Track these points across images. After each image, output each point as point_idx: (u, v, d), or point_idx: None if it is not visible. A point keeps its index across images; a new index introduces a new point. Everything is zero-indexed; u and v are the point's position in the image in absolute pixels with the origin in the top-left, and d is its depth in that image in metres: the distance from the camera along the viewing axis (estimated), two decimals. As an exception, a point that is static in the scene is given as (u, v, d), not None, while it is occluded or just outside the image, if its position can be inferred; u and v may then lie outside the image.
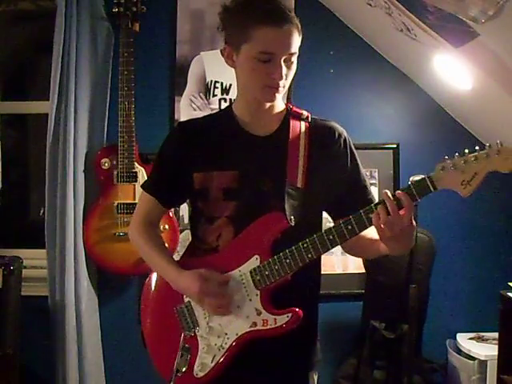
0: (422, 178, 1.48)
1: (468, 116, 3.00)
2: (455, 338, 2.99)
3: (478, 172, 1.42)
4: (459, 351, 2.94)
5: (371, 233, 1.58)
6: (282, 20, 1.54)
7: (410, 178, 1.86)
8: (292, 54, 1.57)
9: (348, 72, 3.09)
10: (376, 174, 3.07)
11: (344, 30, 3.04)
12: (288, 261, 1.56)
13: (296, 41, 1.57)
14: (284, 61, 1.56)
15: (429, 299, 2.91)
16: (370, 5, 2.50)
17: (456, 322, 3.07)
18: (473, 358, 2.81)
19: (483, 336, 2.94)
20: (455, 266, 3.10)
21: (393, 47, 2.96)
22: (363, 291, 3.01)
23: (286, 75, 1.58)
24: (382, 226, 1.48)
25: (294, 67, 1.60)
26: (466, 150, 1.44)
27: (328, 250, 1.56)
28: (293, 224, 1.59)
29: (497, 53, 2.13)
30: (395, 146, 3.11)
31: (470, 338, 2.95)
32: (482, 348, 2.84)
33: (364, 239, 1.63)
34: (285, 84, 1.60)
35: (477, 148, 1.43)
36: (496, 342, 2.69)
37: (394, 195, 1.48)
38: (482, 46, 2.10)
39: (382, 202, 1.49)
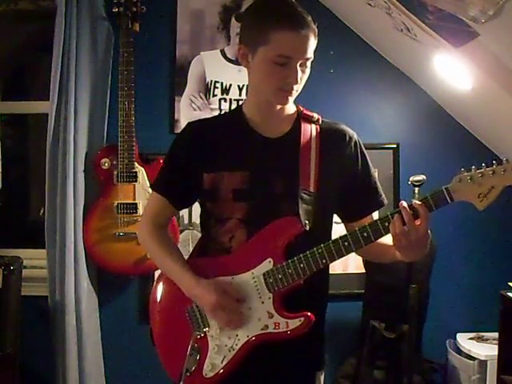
0: (440, 190, 1.48)
1: (468, 116, 3.00)
2: (455, 338, 2.99)
3: (495, 186, 1.44)
4: (459, 351, 2.94)
5: (386, 238, 1.58)
6: (301, 24, 1.55)
7: (410, 178, 1.87)
8: (308, 59, 1.59)
9: (348, 72, 3.09)
10: (376, 174, 3.05)
11: (344, 30, 3.04)
12: (302, 265, 1.57)
13: (312, 46, 1.59)
14: (299, 65, 1.57)
15: (429, 299, 2.90)
16: (370, 5, 2.50)
17: (456, 322, 3.07)
18: (473, 358, 2.81)
19: (483, 336, 2.94)
20: (455, 266, 3.10)
21: (393, 47, 2.96)
22: (363, 291, 3.01)
23: (301, 79, 1.59)
24: (398, 234, 1.49)
25: (307, 72, 1.62)
26: (483, 164, 1.45)
27: (342, 256, 1.57)
28: (307, 228, 1.59)
29: (497, 53, 2.13)
30: (395, 145, 3.11)
31: (470, 338, 2.95)
32: (482, 348, 2.84)
33: (379, 245, 1.62)
34: (298, 88, 1.61)
35: (494, 162, 1.44)
36: (496, 341, 2.69)
37: (410, 205, 1.49)
38: (481, 46, 2.10)
39: (398, 211, 1.50)
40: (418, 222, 1.49)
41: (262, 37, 1.56)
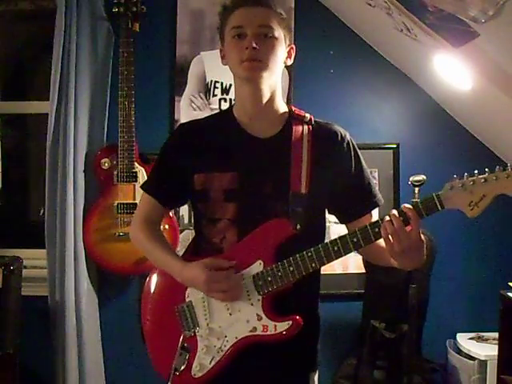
0: (431, 197, 1.47)
1: (468, 116, 3.00)
2: (455, 338, 2.99)
3: (487, 194, 1.42)
4: (459, 351, 2.94)
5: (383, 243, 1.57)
6: (250, 2, 1.63)
7: (410, 178, 1.87)
8: (264, 27, 1.60)
9: (348, 72, 3.09)
10: (376, 174, 3.07)
11: (344, 30, 3.04)
12: (291, 268, 1.57)
13: (268, 18, 1.62)
14: (259, 35, 1.59)
15: (429, 299, 2.90)
16: (370, 5, 2.50)
17: (456, 322, 3.07)
18: (473, 358, 2.81)
19: (483, 336, 2.94)
20: (455, 266, 3.10)
21: (393, 47, 2.96)
22: (363, 291, 3.01)
23: (266, 52, 1.60)
24: (390, 239, 1.48)
25: (275, 45, 1.62)
26: (476, 171, 1.44)
27: (332, 260, 1.56)
28: (299, 231, 1.59)
29: (497, 53, 2.13)
30: (395, 145, 3.11)
31: (470, 338, 2.95)
32: (482, 348, 2.84)
33: (377, 248, 1.61)
34: (263, 59, 1.60)
35: (486, 170, 1.43)
36: (496, 341, 2.69)
37: (400, 210, 1.48)
38: (481, 46, 2.10)
39: (388, 217, 1.49)
40: (409, 228, 1.48)
41: (223, 24, 1.66)
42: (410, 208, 1.47)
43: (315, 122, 1.72)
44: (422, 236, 1.50)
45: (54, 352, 2.91)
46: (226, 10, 1.67)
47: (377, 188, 1.76)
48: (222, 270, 1.60)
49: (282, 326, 1.59)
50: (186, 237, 3.02)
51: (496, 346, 2.67)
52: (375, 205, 1.74)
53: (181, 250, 2.91)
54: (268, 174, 1.65)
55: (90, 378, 2.93)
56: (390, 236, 1.48)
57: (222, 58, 1.71)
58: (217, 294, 1.62)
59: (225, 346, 1.63)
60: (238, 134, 1.69)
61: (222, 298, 1.63)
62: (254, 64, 1.59)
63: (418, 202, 1.48)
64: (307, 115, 1.72)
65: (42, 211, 3.03)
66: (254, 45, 1.58)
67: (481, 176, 1.43)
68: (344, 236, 1.55)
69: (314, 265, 1.56)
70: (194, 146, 1.71)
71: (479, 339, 2.93)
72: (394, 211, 1.49)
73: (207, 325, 1.66)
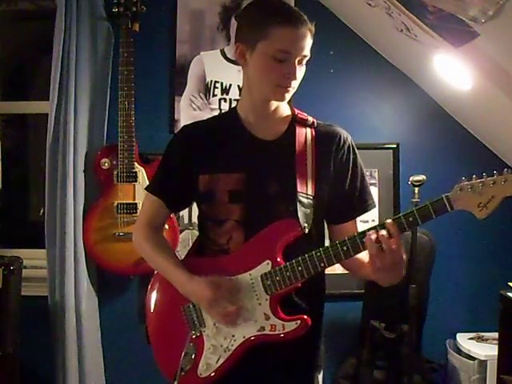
0: (440, 198, 1.49)
1: (468, 116, 3.00)
2: (455, 338, 2.99)
3: (495, 196, 1.44)
4: (459, 351, 2.94)
5: (364, 256, 1.59)
6: (299, 21, 1.59)
7: (410, 178, 1.87)
8: (305, 56, 1.61)
9: (348, 72, 3.09)
10: (376, 174, 3.07)
11: (344, 30, 3.04)
12: (300, 268, 1.57)
13: (309, 44, 1.61)
14: (297, 62, 1.59)
15: (429, 299, 2.90)
16: (370, 5, 2.50)
17: (456, 322, 3.07)
18: (473, 358, 2.81)
19: (483, 336, 2.94)
20: (455, 266, 3.10)
21: (393, 47, 2.96)
22: (363, 291, 3.01)
23: (299, 79, 1.62)
24: (376, 254, 1.49)
25: (303, 70, 1.63)
26: (484, 174, 1.46)
27: (340, 260, 1.57)
28: (306, 231, 1.60)
29: (497, 53, 2.13)
30: (395, 146, 3.11)
31: (470, 338, 2.95)
32: (482, 348, 2.83)
33: (359, 261, 1.63)
34: (295, 85, 1.62)
35: (495, 172, 1.45)
36: (496, 341, 2.69)
37: (382, 224, 1.50)
38: (481, 46, 2.10)
39: (375, 234, 1.50)
40: (393, 245, 1.48)
41: (261, 32, 1.57)
42: (391, 224, 1.49)
43: (318, 124, 1.73)
44: (403, 254, 1.52)
45: (53, 352, 2.91)
46: (270, 18, 1.57)
47: (371, 192, 1.76)
48: (228, 292, 1.60)
49: (290, 326, 1.59)
50: (186, 237, 3.02)
51: (496, 346, 2.67)
52: (364, 211, 1.74)
53: (181, 250, 2.91)
54: (274, 176, 1.65)
55: (89, 378, 2.93)
56: (376, 252, 1.49)
57: (240, 56, 1.64)
58: (217, 315, 1.62)
59: (232, 345, 1.63)
60: (243, 135, 1.69)
61: (221, 320, 1.62)
62: (286, 91, 1.61)
63: (428, 203, 1.49)
64: (310, 118, 1.73)
65: (41, 211, 3.03)
66: (298, 76, 1.60)
67: (489, 178, 1.45)
68: (353, 236, 1.55)
69: (322, 265, 1.57)
70: (198, 147, 1.70)
71: (479, 339, 2.93)
72: (383, 231, 1.49)
73: (214, 324, 1.65)
